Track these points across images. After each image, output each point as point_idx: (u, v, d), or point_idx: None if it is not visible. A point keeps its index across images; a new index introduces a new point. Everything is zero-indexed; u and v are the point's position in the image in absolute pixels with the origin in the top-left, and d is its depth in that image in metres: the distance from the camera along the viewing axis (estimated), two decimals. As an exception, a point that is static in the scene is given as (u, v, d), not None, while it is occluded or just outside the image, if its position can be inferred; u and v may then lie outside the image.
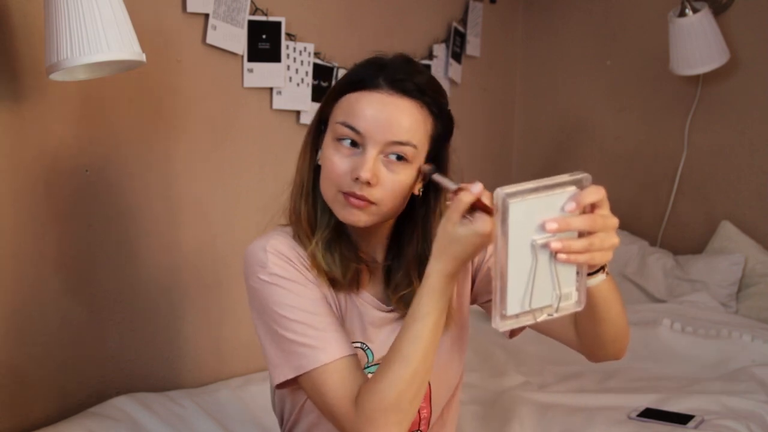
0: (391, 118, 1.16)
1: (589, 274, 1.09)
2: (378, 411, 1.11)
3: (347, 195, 1.17)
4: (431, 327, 1.11)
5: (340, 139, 1.18)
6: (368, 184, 1.16)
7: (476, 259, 1.35)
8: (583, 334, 1.24)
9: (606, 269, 1.12)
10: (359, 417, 1.12)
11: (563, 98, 3.13)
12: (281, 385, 1.21)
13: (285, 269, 1.20)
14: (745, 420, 1.80)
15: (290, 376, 1.19)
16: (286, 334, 1.18)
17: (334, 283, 1.24)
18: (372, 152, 1.16)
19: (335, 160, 1.18)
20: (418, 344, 1.11)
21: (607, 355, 1.27)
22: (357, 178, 1.15)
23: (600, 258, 0.99)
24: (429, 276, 1.11)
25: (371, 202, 1.17)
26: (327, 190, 1.20)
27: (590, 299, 1.10)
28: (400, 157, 1.17)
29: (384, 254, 1.30)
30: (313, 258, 1.22)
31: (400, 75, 1.18)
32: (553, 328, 1.29)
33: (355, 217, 1.18)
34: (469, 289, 1.37)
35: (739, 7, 2.72)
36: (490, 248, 1.31)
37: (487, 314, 1.38)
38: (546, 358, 2.36)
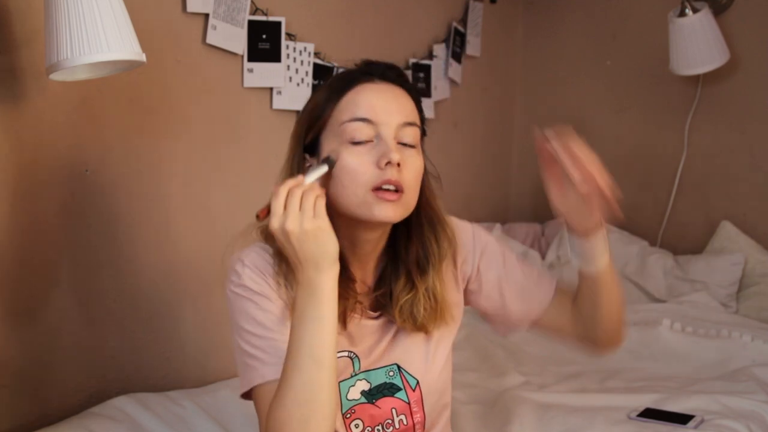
0: (397, 101, 1.19)
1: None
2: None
3: (378, 191, 1.15)
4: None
5: (354, 141, 1.16)
6: (398, 165, 1.15)
7: (467, 267, 1.37)
8: (580, 321, 1.34)
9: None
10: None
11: (563, 98, 3.13)
12: (244, 396, 1.21)
13: (257, 283, 1.19)
14: (745, 420, 1.80)
15: (243, 389, 1.19)
16: (243, 345, 1.18)
17: None
18: (389, 136, 1.16)
19: (356, 160, 1.15)
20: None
21: (606, 343, 1.36)
22: (388, 163, 1.14)
23: None
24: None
25: (401, 190, 1.16)
26: (353, 195, 1.16)
27: (594, 283, 1.28)
28: (407, 145, 1.19)
29: (375, 274, 1.30)
30: None
31: (386, 69, 1.23)
32: (552, 320, 1.37)
33: (390, 212, 1.16)
34: (461, 296, 1.38)
35: (739, 7, 2.72)
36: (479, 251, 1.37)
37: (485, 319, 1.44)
38: (546, 358, 2.35)
